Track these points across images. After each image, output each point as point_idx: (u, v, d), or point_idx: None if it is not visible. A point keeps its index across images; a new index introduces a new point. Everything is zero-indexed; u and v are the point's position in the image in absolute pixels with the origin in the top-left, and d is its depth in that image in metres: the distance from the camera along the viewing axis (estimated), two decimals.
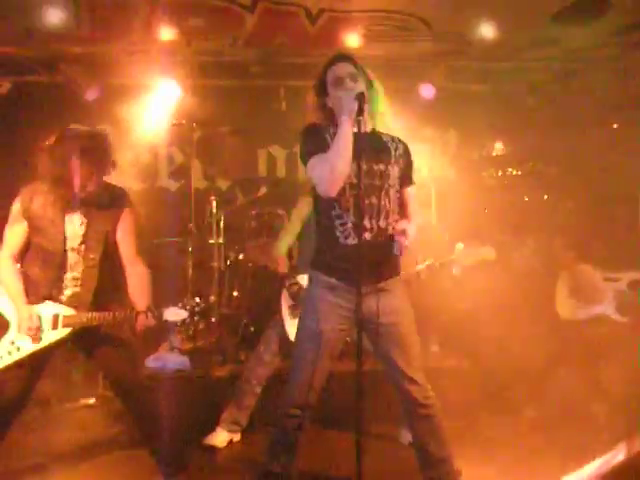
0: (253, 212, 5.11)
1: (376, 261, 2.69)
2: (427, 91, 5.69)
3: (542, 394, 4.27)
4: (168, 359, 4.39)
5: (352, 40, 5.02)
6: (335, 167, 2.57)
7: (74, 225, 3.01)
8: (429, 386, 2.82)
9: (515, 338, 5.30)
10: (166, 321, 3.06)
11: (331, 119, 2.81)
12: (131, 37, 4.90)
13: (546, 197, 5.68)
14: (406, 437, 3.84)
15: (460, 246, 3.79)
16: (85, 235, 3.01)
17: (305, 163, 2.74)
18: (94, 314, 2.99)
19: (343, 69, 2.77)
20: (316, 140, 2.73)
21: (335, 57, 2.84)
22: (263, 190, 5.69)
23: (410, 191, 2.89)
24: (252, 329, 5.11)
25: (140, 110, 5.68)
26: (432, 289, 4.82)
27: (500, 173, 5.68)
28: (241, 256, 5.20)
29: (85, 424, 4.25)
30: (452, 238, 5.30)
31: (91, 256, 3.01)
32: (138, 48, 5.21)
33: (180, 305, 3.07)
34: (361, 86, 2.71)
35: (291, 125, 5.73)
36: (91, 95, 5.41)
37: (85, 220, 3.02)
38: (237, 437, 3.98)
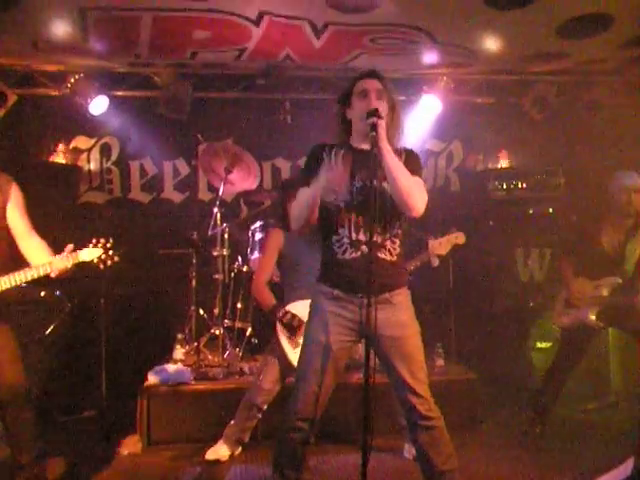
0: (257, 224, 5.10)
1: (376, 274, 2.68)
2: (432, 103, 5.70)
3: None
4: (170, 371, 4.37)
5: (357, 53, 5.04)
6: (299, 215, 2.79)
7: None
8: (432, 399, 2.81)
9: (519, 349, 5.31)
10: (83, 262, 3.08)
11: (348, 131, 2.90)
12: (137, 50, 4.93)
13: (551, 210, 5.66)
14: (410, 452, 3.82)
15: (431, 240, 3.93)
16: None
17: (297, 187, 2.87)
18: (13, 274, 2.99)
19: (370, 84, 2.81)
20: (311, 165, 2.83)
21: (366, 72, 2.88)
22: (267, 202, 5.69)
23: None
24: (256, 341, 5.10)
25: (146, 122, 5.71)
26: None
27: (505, 185, 5.67)
28: (245, 268, 5.20)
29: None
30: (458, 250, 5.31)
31: None
32: (143, 61, 5.24)
33: (92, 245, 3.11)
34: (384, 105, 2.74)
35: (296, 138, 5.77)
36: (97, 107, 5.43)
37: None
38: (238, 450, 4.00)
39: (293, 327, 3.85)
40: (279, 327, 3.91)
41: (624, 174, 4.09)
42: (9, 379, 2.99)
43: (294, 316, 3.87)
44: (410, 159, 2.84)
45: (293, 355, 3.80)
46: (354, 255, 2.76)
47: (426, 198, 2.77)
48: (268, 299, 4.01)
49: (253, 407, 3.89)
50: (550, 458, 3.85)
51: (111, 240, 3.14)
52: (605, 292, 4.02)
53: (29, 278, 2.99)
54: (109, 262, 3.13)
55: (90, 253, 3.07)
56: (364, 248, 2.74)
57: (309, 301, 3.63)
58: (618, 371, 5.08)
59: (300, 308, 3.81)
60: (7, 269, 3.01)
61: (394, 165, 2.68)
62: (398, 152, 2.87)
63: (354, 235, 2.76)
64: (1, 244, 3.08)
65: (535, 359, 5.21)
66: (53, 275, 2.99)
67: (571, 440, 4.18)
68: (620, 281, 4.01)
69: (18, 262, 3.11)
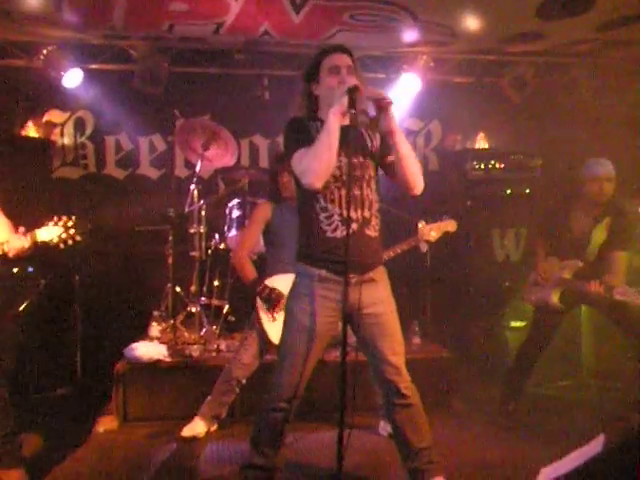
0: (235, 201, 5.07)
1: (363, 252, 2.71)
2: (411, 82, 5.68)
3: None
4: (147, 348, 4.34)
5: (336, 30, 4.99)
6: (322, 160, 2.59)
7: None
8: (409, 377, 2.83)
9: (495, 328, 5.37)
10: (42, 242, 2.98)
11: (315, 107, 2.84)
12: (112, 22, 4.81)
13: (528, 191, 5.71)
14: (385, 428, 3.86)
15: (421, 224, 3.93)
16: None
17: (290, 156, 2.74)
18: None
19: (341, 60, 2.78)
20: (300, 133, 2.75)
21: (333, 47, 2.84)
22: (245, 180, 5.65)
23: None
24: (233, 319, 5.10)
25: (121, 96, 5.61)
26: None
27: (483, 166, 5.69)
28: (222, 246, 5.17)
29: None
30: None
31: None
32: (119, 33, 5.13)
33: (52, 223, 2.99)
34: (355, 80, 2.69)
35: (274, 115, 5.70)
36: (71, 80, 5.31)
37: None
38: (214, 427, 4.02)
39: (271, 301, 3.84)
40: (258, 302, 3.89)
41: (597, 161, 4.06)
42: None
43: (273, 290, 3.85)
44: (383, 138, 2.85)
45: (272, 330, 3.80)
46: (344, 233, 2.63)
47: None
48: (249, 272, 3.95)
49: (232, 380, 3.89)
50: (522, 435, 3.92)
51: (73, 218, 3.01)
52: (567, 275, 4.05)
53: None
54: (70, 241, 3.00)
55: (49, 232, 2.95)
56: (354, 226, 2.70)
57: (289, 275, 3.63)
58: (589, 350, 5.18)
59: (280, 282, 3.82)
60: None
61: (406, 146, 2.71)
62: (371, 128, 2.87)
63: (345, 212, 2.65)
64: None
65: (510, 338, 5.27)
66: (10, 255, 2.91)
67: (543, 417, 4.26)
68: (581, 264, 4.03)
69: None
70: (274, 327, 3.79)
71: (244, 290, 4.08)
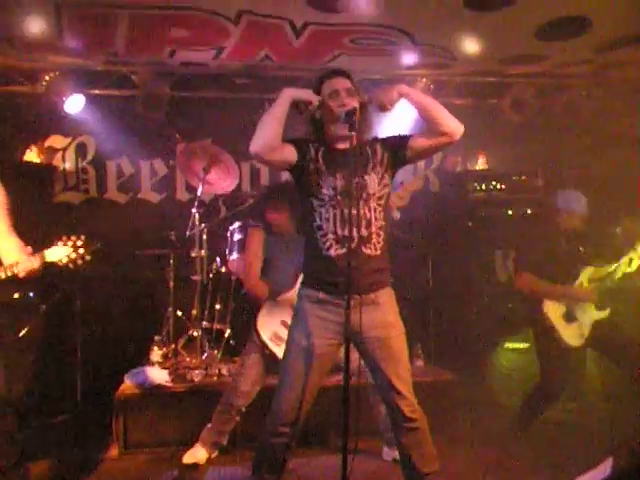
0: (236, 225, 5.06)
1: (360, 270, 2.67)
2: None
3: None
4: (148, 373, 4.31)
5: (336, 54, 5.03)
6: (264, 129, 2.76)
7: None
8: (416, 400, 2.80)
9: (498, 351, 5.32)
10: (51, 262, 2.93)
11: (320, 131, 2.88)
12: (113, 48, 4.86)
13: (529, 212, 5.70)
14: (389, 454, 3.81)
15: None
16: None
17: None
18: None
19: (340, 83, 2.82)
20: (298, 142, 2.83)
21: (333, 71, 2.89)
22: (247, 203, 5.65)
23: (413, 136, 2.90)
24: (234, 343, 5.06)
25: (123, 121, 5.64)
26: None
27: (484, 187, 5.70)
28: (223, 269, 5.15)
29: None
30: (436, 251, 5.34)
31: None
32: (120, 59, 5.17)
33: (61, 243, 2.94)
34: (355, 103, 2.72)
35: None
36: (72, 106, 5.34)
37: None
38: (215, 453, 3.98)
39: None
40: (260, 327, 3.87)
41: (576, 197, 4.11)
42: None
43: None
44: (387, 142, 2.89)
45: (281, 351, 3.79)
46: (339, 252, 2.72)
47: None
48: (264, 291, 3.99)
49: (232, 409, 3.86)
50: (529, 459, 3.86)
51: (82, 237, 2.97)
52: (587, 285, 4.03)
53: None
54: (79, 262, 2.95)
55: (58, 252, 2.92)
56: (350, 245, 2.66)
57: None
58: (594, 372, 5.11)
59: (268, 323, 3.91)
60: None
61: (425, 99, 2.84)
62: (372, 143, 2.87)
63: (339, 231, 2.72)
64: None
65: (513, 360, 5.22)
66: (20, 276, 2.89)
67: (550, 441, 4.19)
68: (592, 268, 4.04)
69: None
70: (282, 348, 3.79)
71: (245, 314, 4.07)
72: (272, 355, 3.82)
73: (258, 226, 4.15)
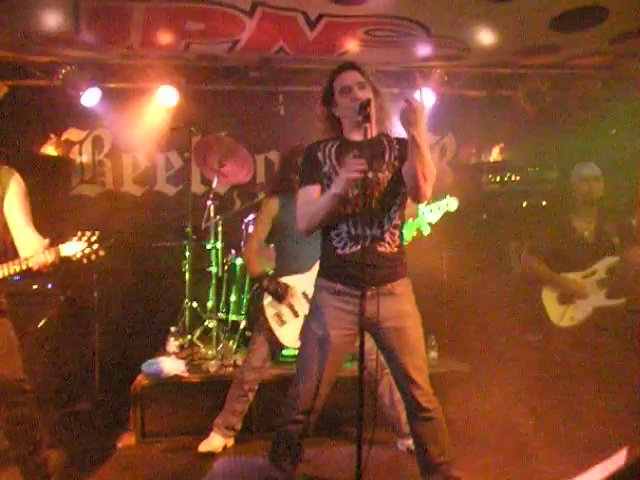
0: (251, 217, 5.09)
1: (375, 266, 2.70)
2: (426, 96, 5.69)
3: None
4: (164, 364, 4.36)
5: (350, 45, 5.03)
6: (314, 222, 2.76)
7: None
8: (432, 390, 2.82)
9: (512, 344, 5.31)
10: (66, 256, 2.92)
11: (339, 128, 2.88)
12: (129, 41, 4.89)
13: (545, 203, 5.68)
14: (403, 444, 3.83)
15: (421, 206, 3.99)
16: None
17: (299, 185, 2.88)
18: None
19: (351, 77, 2.79)
20: (309, 166, 2.83)
21: (342, 66, 2.85)
22: (261, 195, 5.68)
23: None
24: (249, 334, 5.10)
25: (138, 114, 5.68)
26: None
27: (499, 178, 5.68)
28: (238, 261, 5.19)
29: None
30: (451, 243, 5.34)
31: None
32: (136, 52, 5.20)
33: (76, 238, 2.95)
34: (368, 94, 2.72)
35: (289, 131, 5.75)
36: (89, 99, 5.39)
37: None
38: (231, 442, 4.01)
39: (279, 294, 3.85)
40: (265, 306, 3.91)
41: (583, 164, 4.35)
42: (2, 373, 2.96)
43: (279, 283, 3.87)
44: (404, 148, 2.77)
45: (282, 333, 3.85)
46: (354, 249, 2.74)
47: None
48: (256, 266, 4.00)
49: (244, 385, 3.89)
50: (542, 450, 3.86)
51: (97, 233, 2.97)
52: (604, 274, 4.09)
53: (11, 272, 2.91)
54: (93, 256, 2.94)
55: (73, 247, 2.93)
56: (363, 243, 2.69)
57: (295, 277, 3.76)
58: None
59: (287, 281, 3.89)
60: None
61: (426, 149, 2.63)
62: (390, 141, 2.87)
63: (352, 229, 2.75)
64: None
65: (526, 352, 5.21)
66: (34, 269, 2.93)
67: (564, 431, 4.19)
68: (617, 259, 4.11)
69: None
70: (284, 330, 3.85)
71: (260, 305, 4.10)
72: (272, 333, 3.87)
73: (271, 194, 4.07)
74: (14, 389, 2.97)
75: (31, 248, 2.96)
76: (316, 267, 2.96)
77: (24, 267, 2.90)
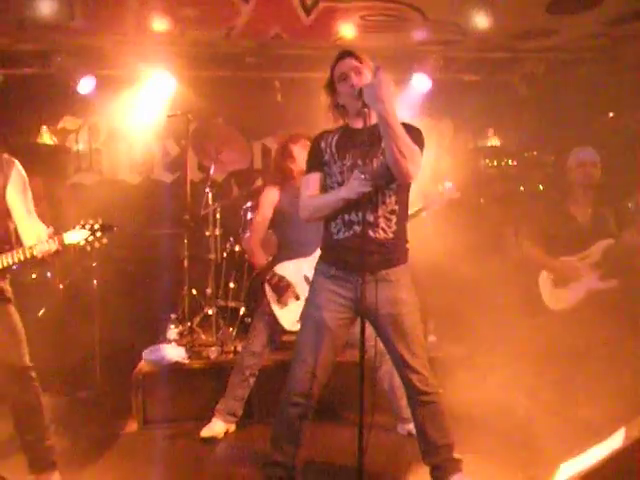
0: (249, 204, 5.10)
1: (370, 252, 2.73)
2: (422, 81, 5.69)
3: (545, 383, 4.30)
4: (165, 351, 4.39)
5: (347, 31, 5.01)
6: (316, 216, 2.90)
7: None
8: (431, 374, 2.85)
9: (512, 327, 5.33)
10: (69, 244, 2.97)
11: (344, 115, 2.94)
12: (124, 28, 4.86)
13: (541, 187, 5.70)
14: (403, 428, 3.87)
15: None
16: None
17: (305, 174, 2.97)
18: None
19: (347, 64, 2.83)
20: (312, 156, 2.93)
21: (339, 54, 2.90)
22: (258, 182, 5.68)
23: None
24: (249, 320, 5.13)
25: (134, 102, 5.66)
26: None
27: (496, 163, 5.70)
28: (237, 248, 5.20)
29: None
30: (449, 228, 5.34)
31: None
32: (131, 39, 5.17)
33: (79, 226, 2.99)
34: (365, 79, 2.74)
35: (286, 117, 5.74)
36: (84, 87, 5.37)
37: None
38: (232, 427, 4.05)
39: (280, 289, 3.89)
40: (267, 290, 3.93)
41: (581, 149, 4.32)
42: (6, 360, 2.99)
43: (281, 278, 3.90)
44: (411, 133, 2.75)
45: (283, 317, 3.88)
46: (347, 234, 2.79)
47: (420, 167, 2.71)
48: (260, 258, 4.04)
49: (245, 370, 3.93)
50: (540, 431, 3.89)
51: (100, 221, 3.02)
52: (599, 257, 4.11)
53: (15, 261, 2.94)
54: (96, 244, 2.99)
55: (76, 235, 2.97)
56: (356, 228, 2.77)
57: (298, 260, 3.76)
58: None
59: (289, 268, 3.92)
60: (2, 251, 2.97)
61: (397, 126, 2.62)
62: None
63: (346, 215, 2.79)
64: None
65: (525, 335, 5.24)
66: (39, 257, 2.94)
67: (562, 412, 4.22)
68: (612, 241, 4.12)
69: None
70: (285, 313, 3.88)
71: (259, 292, 4.12)
72: (273, 315, 3.90)
73: (270, 184, 4.10)
74: (21, 377, 3.00)
75: (35, 236, 2.98)
76: (318, 252, 2.99)
77: (28, 255, 2.92)
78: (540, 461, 3.35)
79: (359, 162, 2.74)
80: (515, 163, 5.72)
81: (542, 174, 5.72)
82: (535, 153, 5.75)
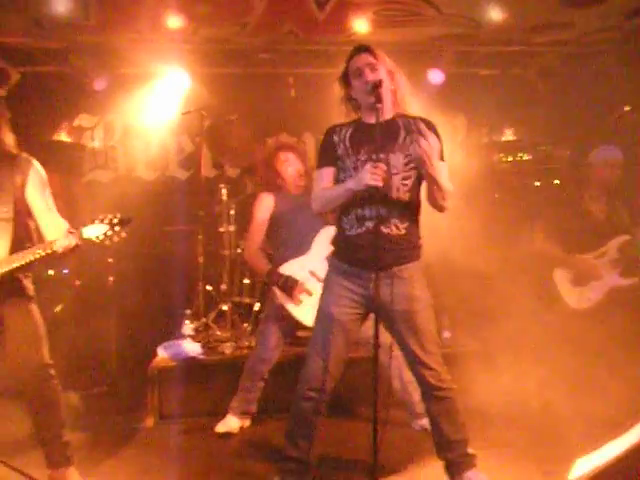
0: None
1: (383, 248, 2.72)
2: (436, 76, 5.66)
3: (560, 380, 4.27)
4: (181, 346, 4.42)
5: (361, 26, 4.99)
6: (325, 207, 2.95)
7: None
8: (445, 369, 2.85)
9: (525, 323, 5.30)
10: (88, 239, 2.99)
11: (357, 109, 2.95)
12: (139, 26, 4.88)
13: (557, 182, 5.65)
14: (417, 424, 3.87)
15: None
16: None
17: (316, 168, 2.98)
18: (21, 253, 2.95)
19: (362, 60, 2.83)
20: (325, 150, 2.92)
21: (354, 49, 2.90)
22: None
23: None
24: (263, 316, 5.14)
25: (149, 99, 5.69)
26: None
27: (511, 158, 5.65)
28: None
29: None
30: (463, 223, 5.32)
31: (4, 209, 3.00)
32: (146, 37, 5.20)
33: (98, 221, 3.00)
34: (379, 76, 2.74)
35: (300, 113, 5.74)
36: (99, 85, 5.41)
37: None
38: (247, 422, 4.07)
39: (288, 288, 3.88)
40: (277, 292, 3.93)
41: (607, 148, 4.26)
42: (26, 357, 3.02)
43: (287, 278, 3.90)
44: (431, 129, 2.82)
45: (300, 313, 3.87)
46: (359, 231, 2.79)
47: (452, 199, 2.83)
48: (262, 264, 4.03)
49: (254, 376, 3.95)
50: (557, 427, 3.87)
51: (118, 215, 3.03)
52: (616, 254, 4.09)
53: (37, 257, 2.96)
54: (115, 238, 3.00)
55: (95, 229, 2.98)
56: (369, 224, 2.76)
57: (298, 258, 3.80)
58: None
59: (293, 266, 3.92)
60: (23, 248, 2.99)
61: (442, 179, 2.73)
62: (407, 121, 2.87)
63: (360, 211, 2.79)
64: (20, 224, 3.05)
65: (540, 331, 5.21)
66: (59, 252, 2.97)
67: (579, 408, 4.19)
68: (628, 237, 4.10)
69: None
70: (302, 310, 3.87)
71: (262, 278, 4.12)
72: (288, 313, 3.89)
73: (269, 191, 4.10)
74: (41, 374, 3.03)
75: (58, 232, 3.01)
76: (315, 246, 3.02)
77: (49, 251, 2.94)
78: (556, 456, 3.33)
79: (374, 157, 2.74)
80: (530, 157, 5.66)
81: (558, 169, 5.67)
82: (550, 147, 5.69)
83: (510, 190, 5.66)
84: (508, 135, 6.12)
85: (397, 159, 2.79)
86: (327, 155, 2.90)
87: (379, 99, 2.65)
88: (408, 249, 2.86)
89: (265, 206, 4.04)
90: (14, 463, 2.97)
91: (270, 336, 3.97)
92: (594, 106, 5.76)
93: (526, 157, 5.67)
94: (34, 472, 3.01)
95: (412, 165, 2.80)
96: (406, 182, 2.81)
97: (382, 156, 2.74)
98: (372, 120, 2.75)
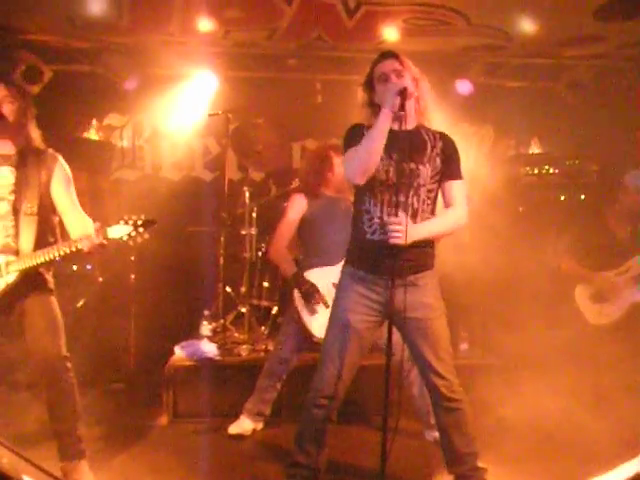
0: (285, 204, 5.12)
1: (402, 256, 2.70)
2: (465, 86, 5.64)
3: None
4: (198, 346, 4.45)
5: (390, 34, 5.00)
6: (363, 157, 2.69)
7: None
8: (457, 381, 2.83)
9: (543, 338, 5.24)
10: (113, 239, 3.02)
11: (378, 114, 2.86)
12: (170, 28, 4.95)
13: (583, 197, 5.57)
14: (430, 434, 3.84)
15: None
16: (16, 184, 3.04)
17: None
18: (47, 250, 2.99)
19: (388, 66, 2.83)
20: (354, 137, 2.82)
21: (382, 54, 2.90)
22: (296, 182, 5.70)
23: (452, 185, 2.87)
24: (281, 320, 5.15)
25: (177, 100, 5.75)
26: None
27: (537, 171, 5.60)
28: None
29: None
30: (486, 235, 5.28)
31: (28, 205, 3.05)
32: (176, 39, 5.26)
33: (122, 222, 3.03)
34: (405, 82, 2.73)
35: (326, 119, 5.75)
36: (130, 85, 5.48)
37: (15, 171, 3.06)
38: (260, 425, 4.08)
39: (310, 295, 3.87)
40: (296, 296, 3.92)
41: (638, 173, 4.28)
42: (44, 348, 3.06)
43: (312, 285, 3.90)
44: (447, 149, 2.85)
45: (313, 323, 3.86)
46: (382, 237, 2.74)
47: (466, 209, 2.86)
48: (288, 265, 4.00)
49: (273, 376, 3.96)
50: (570, 445, 3.81)
51: (142, 217, 3.06)
52: (638, 270, 4.05)
53: (61, 254, 3.00)
54: (139, 239, 3.05)
55: (120, 230, 3.02)
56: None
57: (324, 268, 3.78)
58: None
59: (317, 275, 3.91)
60: (47, 245, 3.05)
61: (437, 233, 2.87)
62: (431, 135, 2.87)
63: (385, 217, 2.76)
64: (44, 219, 3.11)
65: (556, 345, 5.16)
66: (85, 251, 3.02)
67: (593, 426, 4.13)
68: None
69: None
70: (314, 320, 3.86)
71: (286, 279, 4.12)
72: (302, 324, 3.89)
73: (300, 191, 4.10)
74: (57, 366, 3.08)
75: (82, 229, 3.06)
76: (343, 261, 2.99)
77: (74, 249, 2.99)
78: (568, 475, 3.30)
79: (404, 165, 2.74)
80: (556, 171, 5.60)
81: (584, 183, 5.60)
82: (577, 162, 5.62)
83: (535, 203, 5.60)
84: (535, 148, 6.06)
85: (426, 171, 2.80)
86: (358, 139, 2.78)
87: (403, 106, 2.64)
88: (424, 258, 2.86)
89: (299, 206, 4.02)
90: (27, 454, 3.01)
91: (291, 338, 3.98)
92: (624, 122, 5.68)
93: (552, 170, 5.60)
94: (46, 464, 3.04)
95: (437, 178, 2.83)
96: (430, 195, 2.84)
97: (412, 166, 2.76)
98: (395, 126, 2.74)
